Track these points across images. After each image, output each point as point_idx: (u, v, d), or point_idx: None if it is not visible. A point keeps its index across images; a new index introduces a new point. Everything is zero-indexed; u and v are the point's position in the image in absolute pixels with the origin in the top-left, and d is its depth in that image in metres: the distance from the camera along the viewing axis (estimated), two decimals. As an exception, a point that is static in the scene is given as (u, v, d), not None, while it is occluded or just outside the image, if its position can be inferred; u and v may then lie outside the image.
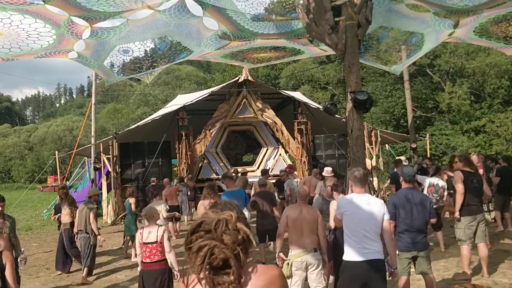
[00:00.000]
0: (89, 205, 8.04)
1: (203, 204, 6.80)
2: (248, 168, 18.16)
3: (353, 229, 4.06)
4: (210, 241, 1.59)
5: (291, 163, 18.69)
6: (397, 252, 5.17)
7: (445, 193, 8.30)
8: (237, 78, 16.98)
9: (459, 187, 6.40)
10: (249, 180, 12.60)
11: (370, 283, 4.00)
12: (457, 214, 6.45)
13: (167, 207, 8.86)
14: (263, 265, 1.73)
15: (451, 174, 9.53)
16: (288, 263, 4.95)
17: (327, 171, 9.40)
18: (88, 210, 7.89)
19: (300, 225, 4.97)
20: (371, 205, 4.11)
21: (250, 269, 1.65)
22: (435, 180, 8.35)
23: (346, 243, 4.12)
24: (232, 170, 15.42)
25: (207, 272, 1.58)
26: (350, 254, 4.07)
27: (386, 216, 4.13)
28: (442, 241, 8.20)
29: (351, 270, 4.04)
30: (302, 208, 5.09)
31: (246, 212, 7.64)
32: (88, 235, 7.87)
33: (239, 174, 12.74)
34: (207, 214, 1.68)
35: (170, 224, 8.27)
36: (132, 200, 9.38)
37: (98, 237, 7.91)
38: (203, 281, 1.59)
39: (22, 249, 6.14)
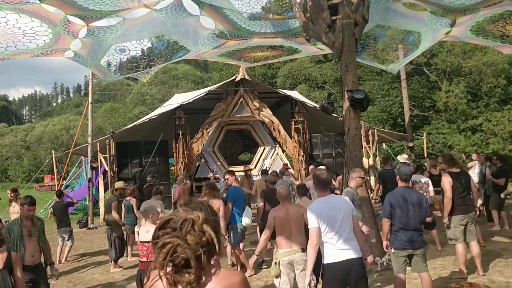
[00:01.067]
0: (112, 197, 8.60)
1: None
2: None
3: (327, 232, 4.05)
4: (174, 239, 1.59)
5: (287, 162, 18.71)
6: (392, 250, 5.19)
7: (430, 188, 8.28)
8: (234, 77, 16.98)
9: (447, 194, 6.36)
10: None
11: (351, 282, 4.00)
12: (445, 220, 6.42)
13: (163, 208, 8.85)
14: (228, 270, 1.74)
15: (434, 173, 9.55)
16: (275, 262, 4.96)
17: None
18: (109, 202, 8.58)
19: (288, 225, 4.96)
20: (339, 204, 4.15)
21: (212, 272, 1.66)
22: (417, 177, 8.37)
23: (323, 247, 4.11)
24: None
25: (169, 269, 1.59)
26: (328, 257, 4.07)
27: (354, 212, 4.20)
28: (438, 239, 8.21)
29: (332, 273, 4.04)
30: (288, 208, 5.09)
31: (247, 219, 7.56)
32: (110, 227, 8.60)
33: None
34: (177, 212, 1.69)
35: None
36: (133, 201, 9.30)
37: (123, 227, 8.56)
38: (163, 278, 1.60)
39: (56, 268, 5.99)
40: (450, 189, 6.33)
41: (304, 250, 4.94)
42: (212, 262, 1.71)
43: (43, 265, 5.45)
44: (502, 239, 8.71)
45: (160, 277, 1.60)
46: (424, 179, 8.42)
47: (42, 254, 5.37)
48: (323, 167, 9.56)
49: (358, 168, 6.17)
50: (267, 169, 15.21)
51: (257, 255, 5.33)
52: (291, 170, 14.85)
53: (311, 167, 11.93)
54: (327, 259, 4.07)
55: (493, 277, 6.33)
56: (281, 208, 5.18)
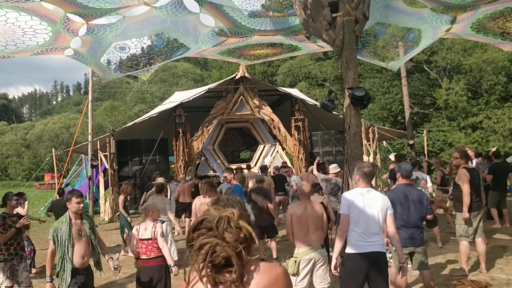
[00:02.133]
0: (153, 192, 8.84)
1: (200, 200, 6.82)
2: (246, 165, 18.17)
3: (356, 222, 4.08)
4: (211, 238, 1.56)
5: (288, 160, 18.71)
6: (393, 248, 5.18)
7: (428, 184, 8.21)
8: (234, 75, 16.96)
9: (466, 188, 6.27)
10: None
11: (371, 275, 4.03)
12: (466, 215, 6.29)
13: (171, 206, 8.81)
14: (267, 263, 1.69)
15: (445, 170, 9.54)
16: (295, 261, 4.93)
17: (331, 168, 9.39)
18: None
19: (305, 222, 4.95)
20: (375, 199, 4.15)
21: (253, 268, 1.62)
22: (414, 173, 8.34)
23: (349, 235, 4.15)
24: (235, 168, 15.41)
25: (208, 270, 1.55)
26: (352, 247, 4.10)
27: (390, 211, 4.17)
28: (439, 236, 8.21)
29: (353, 262, 4.07)
30: (306, 205, 5.08)
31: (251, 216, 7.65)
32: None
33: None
34: (209, 211, 1.65)
35: (172, 218, 8.19)
36: (121, 198, 9.29)
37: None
38: (205, 279, 1.56)
39: (116, 254, 5.63)
40: (469, 184, 6.27)
41: (323, 246, 4.96)
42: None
43: (97, 263, 5.18)
44: (503, 236, 8.71)
45: (201, 279, 1.56)
46: (422, 175, 8.40)
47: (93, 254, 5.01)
48: (334, 165, 9.58)
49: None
50: (268, 166, 15.20)
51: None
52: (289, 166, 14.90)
53: (311, 167, 11.91)
54: (351, 249, 4.11)
55: (494, 274, 6.33)
56: (300, 204, 5.17)
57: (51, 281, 4.76)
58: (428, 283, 5.13)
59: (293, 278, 4.95)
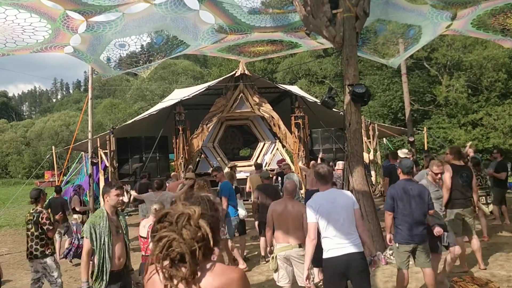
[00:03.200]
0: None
1: None
2: (246, 163, 18.18)
3: (326, 226, 4.05)
4: (170, 233, 1.59)
5: (288, 157, 18.70)
6: (396, 245, 5.17)
7: None
8: (233, 72, 16.91)
9: (447, 183, 6.32)
10: (245, 174, 12.68)
11: (351, 276, 4.01)
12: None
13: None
14: (223, 266, 1.71)
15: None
16: (273, 257, 4.97)
17: (338, 164, 9.39)
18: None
19: (285, 220, 4.97)
20: (339, 198, 4.13)
21: (209, 267, 1.64)
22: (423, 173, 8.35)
23: (323, 240, 4.10)
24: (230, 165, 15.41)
25: (167, 263, 1.59)
26: (327, 251, 4.07)
27: (356, 206, 4.15)
28: None
29: (331, 267, 4.05)
30: (287, 203, 5.09)
31: (243, 211, 7.65)
32: None
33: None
34: (176, 206, 1.68)
35: None
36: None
37: None
38: (160, 272, 1.60)
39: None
40: (450, 179, 6.29)
41: (301, 245, 4.94)
42: (214, 258, 1.69)
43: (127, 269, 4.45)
44: (503, 233, 8.71)
45: (157, 271, 1.60)
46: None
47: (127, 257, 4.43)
48: (341, 162, 9.61)
49: (435, 161, 5.77)
50: (262, 163, 15.21)
51: (269, 247, 5.41)
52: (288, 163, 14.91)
53: (312, 162, 11.91)
54: (326, 254, 4.07)
55: (495, 271, 6.33)
56: (280, 203, 5.18)
57: (88, 286, 4.28)
58: (429, 281, 5.12)
59: (275, 275, 5.05)
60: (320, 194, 4.20)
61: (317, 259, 4.37)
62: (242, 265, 7.11)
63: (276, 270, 4.96)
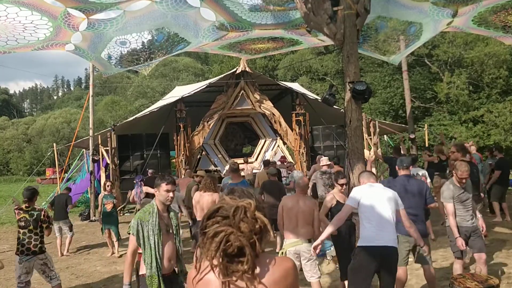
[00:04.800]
0: (192, 183, 8.90)
1: (200, 194, 6.83)
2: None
3: (367, 214, 4.15)
4: (226, 227, 1.55)
5: (289, 154, 18.71)
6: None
7: (428, 180, 8.26)
8: (234, 69, 16.91)
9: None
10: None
11: (382, 270, 4.10)
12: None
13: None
14: (275, 257, 1.69)
15: (442, 156, 9.60)
16: (282, 252, 4.99)
17: (323, 160, 9.52)
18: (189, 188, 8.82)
19: (295, 215, 4.99)
20: (383, 193, 4.24)
21: (266, 260, 1.63)
22: (414, 170, 8.36)
23: (362, 229, 4.20)
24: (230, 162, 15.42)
25: (221, 259, 1.55)
26: (365, 239, 4.16)
27: (401, 207, 4.28)
28: (431, 229, 8.24)
29: (365, 255, 4.12)
30: (299, 199, 5.13)
31: None
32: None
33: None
34: (224, 200, 1.64)
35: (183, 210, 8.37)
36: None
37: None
38: (217, 268, 1.57)
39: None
40: None
41: (310, 241, 4.97)
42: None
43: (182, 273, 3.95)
44: (504, 230, 8.73)
45: (212, 268, 1.57)
46: (422, 171, 8.47)
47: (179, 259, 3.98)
48: (325, 158, 9.64)
49: (460, 163, 5.35)
50: (269, 160, 15.19)
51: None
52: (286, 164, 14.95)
53: (318, 157, 11.94)
54: (363, 241, 4.15)
55: (495, 267, 6.35)
56: (293, 197, 5.23)
57: None
58: (429, 278, 5.15)
59: None
60: (367, 186, 4.33)
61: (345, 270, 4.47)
62: None
63: None
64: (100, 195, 9.64)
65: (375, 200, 4.15)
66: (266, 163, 11.39)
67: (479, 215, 5.41)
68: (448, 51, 27.03)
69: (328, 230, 4.28)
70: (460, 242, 5.05)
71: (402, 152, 10.17)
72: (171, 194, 3.79)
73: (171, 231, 3.82)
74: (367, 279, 4.11)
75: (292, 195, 5.34)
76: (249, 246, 1.54)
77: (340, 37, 6.72)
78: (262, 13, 8.10)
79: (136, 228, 3.67)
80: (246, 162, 14.62)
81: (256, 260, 1.58)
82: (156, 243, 3.66)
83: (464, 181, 5.13)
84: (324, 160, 9.38)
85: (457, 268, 5.20)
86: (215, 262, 1.55)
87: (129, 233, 3.78)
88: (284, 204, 5.12)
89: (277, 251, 7.87)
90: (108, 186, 9.45)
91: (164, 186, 3.76)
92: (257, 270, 1.58)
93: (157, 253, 3.65)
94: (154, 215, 3.70)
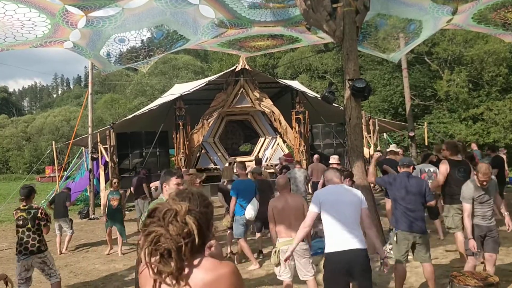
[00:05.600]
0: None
1: None
2: (246, 158, 18.16)
3: (330, 219, 3.99)
4: (158, 228, 1.59)
5: (289, 152, 18.70)
6: (395, 237, 5.18)
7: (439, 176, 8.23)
8: (234, 67, 16.89)
9: (440, 177, 6.36)
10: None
11: (354, 274, 3.90)
12: (432, 203, 6.19)
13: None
14: (214, 261, 1.69)
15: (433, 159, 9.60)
16: (275, 251, 4.97)
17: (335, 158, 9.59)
18: None
19: (287, 215, 4.98)
20: (348, 193, 4.10)
21: (198, 263, 1.63)
22: (425, 166, 8.35)
23: (326, 235, 4.04)
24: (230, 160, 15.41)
25: (156, 258, 1.59)
26: (330, 246, 3.98)
27: (364, 205, 4.07)
28: (440, 228, 8.20)
29: (333, 262, 3.95)
30: (287, 198, 5.12)
31: (251, 212, 7.51)
32: None
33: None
34: (167, 201, 1.69)
35: None
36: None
37: None
38: (148, 266, 1.60)
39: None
40: (444, 175, 6.27)
41: (304, 239, 4.94)
42: (206, 253, 1.69)
43: None
44: (503, 227, 8.70)
45: (146, 265, 1.61)
46: (433, 168, 8.39)
47: None
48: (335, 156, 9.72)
49: (481, 165, 5.17)
50: (268, 159, 15.21)
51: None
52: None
53: (315, 156, 11.94)
54: (329, 248, 3.97)
55: (495, 265, 6.33)
56: (280, 198, 5.21)
57: None
58: (429, 276, 5.14)
59: (277, 269, 5.02)
60: (330, 187, 4.17)
61: None
62: (255, 265, 7.07)
63: (277, 265, 4.95)
64: (105, 192, 9.64)
65: (337, 203, 4.00)
66: (259, 162, 11.42)
67: (506, 213, 5.36)
68: (448, 49, 27.01)
69: (299, 236, 4.21)
70: (472, 244, 5.01)
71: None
72: (181, 187, 3.77)
73: (212, 234, 3.76)
74: (345, 287, 4.01)
75: (278, 196, 5.31)
76: (175, 249, 1.57)
77: (340, 34, 6.71)
78: (262, 10, 8.07)
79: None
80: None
81: (188, 263, 1.60)
82: None
83: (485, 183, 5.04)
84: (334, 159, 9.57)
85: (470, 266, 5.19)
86: (146, 259, 1.60)
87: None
88: (273, 206, 5.10)
89: (260, 249, 7.88)
90: (115, 183, 9.45)
91: (174, 180, 3.84)
92: (187, 271, 1.60)
93: None
94: None
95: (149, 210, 1.68)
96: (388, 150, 10.77)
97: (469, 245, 5.03)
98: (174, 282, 1.59)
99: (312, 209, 4.06)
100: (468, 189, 5.20)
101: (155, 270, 1.59)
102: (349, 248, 3.88)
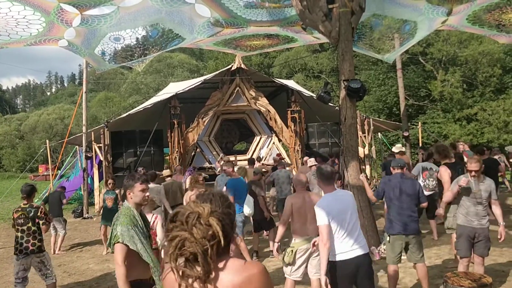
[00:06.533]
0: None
1: (188, 194, 6.90)
2: (241, 157, 18.16)
3: (337, 227, 3.95)
4: (182, 232, 1.57)
5: (284, 151, 18.72)
6: (388, 238, 5.20)
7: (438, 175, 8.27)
8: (230, 66, 16.86)
9: (446, 185, 6.25)
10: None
11: (359, 280, 3.92)
12: (441, 210, 6.14)
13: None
14: (242, 261, 1.67)
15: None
16: (292, 250, 4.95)
17: (311, 161, 9.65)
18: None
19: (304, 213, 4.97)
20: (346, 199, 4.06)
21: (226, 265, 1.62)
22: (427, 164, 8.37)
23: (334, 242, 3.96)
24: (221, 157, 15.43)
25: (181, 263, 1.58)
26: (339, 254, 3.94)
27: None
28: (435, 229, 8.24)
29: (342, 270, 3.93)
30: (304, 196, 5.12)
31: (248, 209, 7.50)
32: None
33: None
34: (188, 204, 1.67)
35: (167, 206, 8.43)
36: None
37: None
38: (174, 271, 1.59)
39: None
40: (449, 180, 6.22)
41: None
42: (231, 254, 1.67)
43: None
44: (496, 228, 8.74)
45: (172, 270, 1.59)
46: (435, 167, 8.39)
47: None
48: (312, 159, 9.75)
49: (471, 158, 5.33)
50: (257, 158, 15.19)
51: (278, 242, 5.43)
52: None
53: (305, 158, 11.99)
54: (338, 256, 3.93)
55: (488, 266, 6.37)
56: (298, 195, 5.19)
57: None
58: (422, 276, 5.16)
59: (287, 268, 4.98)
60: (329, 195, 4.09)
61: None
62: None
63: (290, 264, 4.92)
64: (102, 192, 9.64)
65: (341, 211, 3.95)
66: (251, 161, 11.42)
67: (502, 223, 5.37)
68: (443, 49, 27.11)
69: (323, 260, 3.87)
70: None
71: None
72: (147, 194, 3.55)
73: (148, 235, 3.56)
74: None
75: (297, 193, 5.29)
76: (201, 252, 1.55)
77: (335, 35, 6.71)
78: (258, 10, 8.07)
79: (129, 235, 3.30)
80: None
81: (215, 265, 1.58)
82: (148, 248, 3.42)
83: (474, 173, 5.06)
84: (311, 161, 9.62)
85: (461, 268, 5.21)
86: (172, 265, 1.58)
87: (117, 243, 3.30)
88: (293, 203, 5.08)
89: (276, 241, 7.86)
90: (110, 184, 9.42)
91: (138, 186, 3.49)
92: (215, 274, 1.58)
93: (151, 257, 3.41)
94: (138, 218, 3.44)
95: (171, 215, 1.65)
96: (396, 151, 10.86)
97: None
98: (201, 285, 1.57)
99: (323, 222, 3.89)
100: (459, 178, 5.27)
101: (181, 275, 1.57)
102: (356, 255, 3.90)
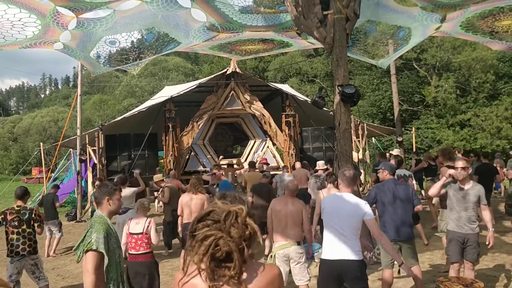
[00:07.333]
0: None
1: (186, 195, 6.86)
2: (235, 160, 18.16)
3: (328, 226, 4.02)
4: (217, 231, 1.55)
5: (278, 155, 18.75)
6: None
7: (414, 181, 8.52)
8: (225, 70, 16.90)
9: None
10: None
11: (347, 281, 3.94)
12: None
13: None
14: (261, 263, 1.70)
15: (431, 162, 9.82)
16: (271, 255, 4.97)
17: (319, 164, 9.68)
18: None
19: (284, 217, 4.99)
20: (350, 204, 4.02)
21: (254, 266, 1.63)
22: (401, 171, 8.57)
23: (323, 240, 4.08)
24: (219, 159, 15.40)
25: (208, 263, 1.55)
26: (324, 252, 4.03)
27: (367, 217, 3.96)
28: (423, 233, 8.27)
29: (325, 268, 4.01)
30: (287, 201, 5.13)
31: None
32: None
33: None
34: (216, 204, 1.65)
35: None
36: None
37: None
38: (204, 272, 1.56)
39: None
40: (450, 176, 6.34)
41: (299, 243, 4.97)
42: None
43: None
44: (485, 232, 8.81)
45: (199, 272, 1.57)
46: (408, 173, 8.77)
47: None
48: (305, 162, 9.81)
49: (459, 158, 5.51)
50: (256, 161, 15.21)
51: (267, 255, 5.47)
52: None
53: (304, 162, 12.05)
54: (323, 255, 4.04)
55: (480, 271, 6.42)
56: (281, 200, 5.22)
57: None
58: (416, 280, 5.19)
59: None
60: (333, 196, 4.23)
61: None
62: None
63: None
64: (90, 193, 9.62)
65: (333, 212, 4.00)
66: (252, 165, 11.44)
67: (491, 229, 5.40)
68: (436, 55, 27.29)
69: (388, 249, 4.30)
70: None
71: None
72: (121, 202, 3.63)
73: (119, 244, 3.58)
74: None
75: (281, 198, 5.34)
76: (238, 251, 1.54)
77: (330, 41, 6.76)
78: (253, 15, 8.11)
79: (103, 242, 3.23)
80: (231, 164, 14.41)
81: (244, 266, 1.58)
82: (120, 257, 3.44)
83: (459, 176, 5.12)
84: (320, 165, 9.66)
85: (452, 273, 5.24)
86: (202, 266, 1.55)
87: (90, 251, 3.21)
88: (272, 207, 5.12)
89: (265, 253, 7.88)
90: (97, 185, 9.40)
91: (118, 195, 3.54)
92: (244, 276, 1.58)
93: (120, 267, 3.43)
94: (112, 227, 3.43)
95: (201, 213, 1.62)
96: (394, 154, 11.01)
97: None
98: (233, 287, 1.56)
99: (371, 216, 4.00)
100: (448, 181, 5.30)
101: (213, 276, 1.56)
102: (340, 258, 3.90)
